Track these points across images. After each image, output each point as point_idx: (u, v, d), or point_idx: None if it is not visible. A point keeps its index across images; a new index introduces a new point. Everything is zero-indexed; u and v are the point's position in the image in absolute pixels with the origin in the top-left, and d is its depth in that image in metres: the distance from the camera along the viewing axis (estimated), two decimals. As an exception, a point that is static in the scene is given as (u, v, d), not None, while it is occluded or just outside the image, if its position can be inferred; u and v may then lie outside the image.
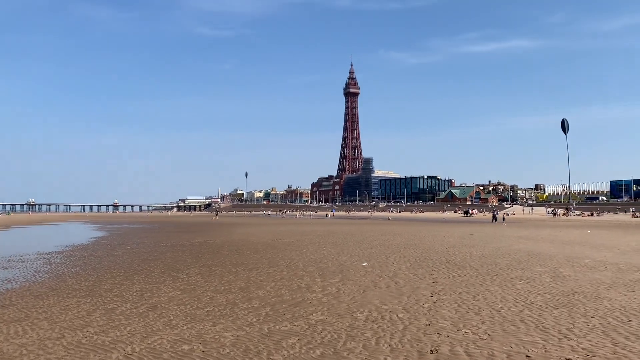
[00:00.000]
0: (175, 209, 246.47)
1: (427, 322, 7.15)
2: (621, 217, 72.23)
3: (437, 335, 6.47)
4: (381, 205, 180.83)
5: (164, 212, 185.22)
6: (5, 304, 8.94)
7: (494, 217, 54.46)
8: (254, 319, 7.48)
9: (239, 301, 8.90)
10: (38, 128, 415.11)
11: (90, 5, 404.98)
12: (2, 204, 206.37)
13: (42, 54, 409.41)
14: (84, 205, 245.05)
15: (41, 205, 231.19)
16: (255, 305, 8.48)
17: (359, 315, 7.70)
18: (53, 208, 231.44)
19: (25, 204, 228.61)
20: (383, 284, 10.63)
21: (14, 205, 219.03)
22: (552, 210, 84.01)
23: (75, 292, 10.04)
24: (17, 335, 6.73)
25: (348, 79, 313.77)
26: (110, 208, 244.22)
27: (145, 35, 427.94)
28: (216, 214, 79.59)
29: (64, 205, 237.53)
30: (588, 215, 77.73)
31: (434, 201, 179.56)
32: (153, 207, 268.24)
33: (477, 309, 7.99)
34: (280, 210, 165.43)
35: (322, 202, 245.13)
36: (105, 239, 28.90)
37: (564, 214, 78.31)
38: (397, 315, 7.64)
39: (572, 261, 14.48)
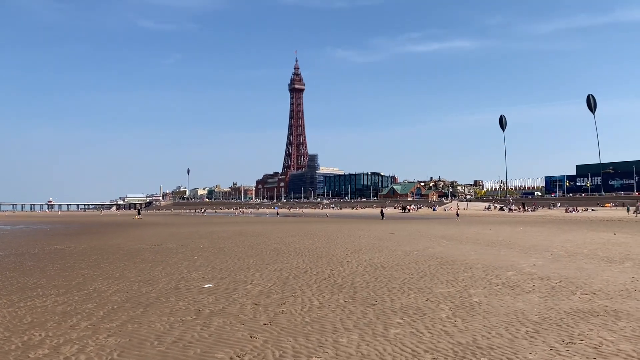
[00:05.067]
0: (114, 207, 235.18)
1: None
2: (555, 212, 71.87)
3: None
4: (325, 202, 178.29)
5: (98, 211, 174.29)
6: None
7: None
8: None
9: None
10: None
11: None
12: None
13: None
14: (15, 204, 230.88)
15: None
16: None
17: None
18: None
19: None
20: (188, 332, 6.47)
21: None
22: (508, 206, 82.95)
23: None
24: None
25: (293, 74, 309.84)
26: (45, 207, 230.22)
27: (82, 27, 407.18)
28: (138, 213, 73.24)
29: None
30: (522, 210, 77.13)
31: (377, 197, 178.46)
32: (92, 206, 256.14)
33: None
34: (198, 209, 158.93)
35: (267, 199, 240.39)
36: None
37: (520, 210, 77.15)
38: None
39: (491, 274, 10.87)
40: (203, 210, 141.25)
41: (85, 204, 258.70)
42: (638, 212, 53.41)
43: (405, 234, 25.52)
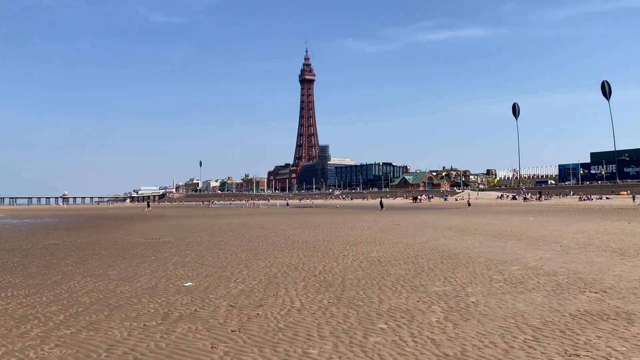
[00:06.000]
0: (128, 200, 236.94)
1: None
2: (569, 200, 70.45)
3: None
4: (336, 192, 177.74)
5: (108, 204, 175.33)
6: None
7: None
8: None
9: None
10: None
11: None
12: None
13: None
14: (31, 198, 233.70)
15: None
16: None
17: None
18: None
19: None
20: (145, 341, 5.83)
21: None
22: (523, 195, 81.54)
23: None
24: None
25: (303, 65, 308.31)
26: (60, 200, 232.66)
27: (95, 22, 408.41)
28: (148, 206, 73.11)
29: (10, 197, 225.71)
30: (539, 198, 75.71)
31: (388, 187, 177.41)
32: (107, 199, 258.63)
33: None
34: (206, 201, 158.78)
35: (278, 190, 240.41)
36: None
37: (537, 198, 75.57)
38: None
39: (493, 269, 10.11)
40: (211, 201, 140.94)
41: (99, 197, 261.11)
42: None
43: (411, 225, 24.76)
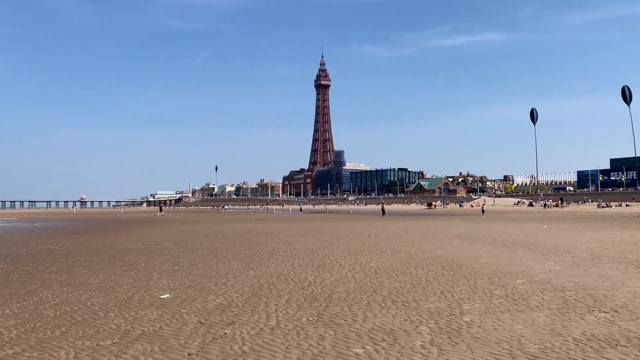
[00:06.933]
0: (145, 204, 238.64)
1: None
2: (587, 207, 68.70)
3: None
4: (351, 198, 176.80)
5: (121, 209, 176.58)
6: None
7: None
8: None
9: None
10: (3, 123, 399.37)
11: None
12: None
13: (6, 47, 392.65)
14: (49, 202, 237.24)
15: (4, 201, 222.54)
16: None
17: None
18: (17, 204, 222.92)
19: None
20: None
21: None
22: (543, 202, 79.86)
23: None
24: None
25: (319, 70, 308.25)
26: (78, 204, 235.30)
27: (113, 28, 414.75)
28: (160, 210, 73.09)
29: (29, 201, 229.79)
30: (554, 205, 74.00)
31: (404, 193, 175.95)
32: (124, 202, 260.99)
33: None
34: (216, 205, 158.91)
35: (293, 195, 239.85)
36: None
37: (555, 205, 73.82)
38: None
39: (496, 282, 9.34)
40: (222, 206, 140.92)
41: (116, 201, 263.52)
42: None
43: (419, 232, 23.94)
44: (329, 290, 8.87)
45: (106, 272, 11.81)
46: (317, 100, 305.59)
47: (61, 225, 41.90)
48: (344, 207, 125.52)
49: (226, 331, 6.23)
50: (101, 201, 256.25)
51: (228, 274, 11.18)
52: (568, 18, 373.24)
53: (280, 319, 6.84)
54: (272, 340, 5.81)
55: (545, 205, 74.89)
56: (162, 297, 8.63)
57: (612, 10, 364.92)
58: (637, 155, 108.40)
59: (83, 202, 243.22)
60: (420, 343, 5.56)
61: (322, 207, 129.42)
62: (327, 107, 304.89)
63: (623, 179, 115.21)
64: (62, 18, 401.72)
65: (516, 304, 7.47)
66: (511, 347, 5.34)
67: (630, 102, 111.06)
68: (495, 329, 6.06)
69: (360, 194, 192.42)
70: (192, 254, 15.49)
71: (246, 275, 10.93)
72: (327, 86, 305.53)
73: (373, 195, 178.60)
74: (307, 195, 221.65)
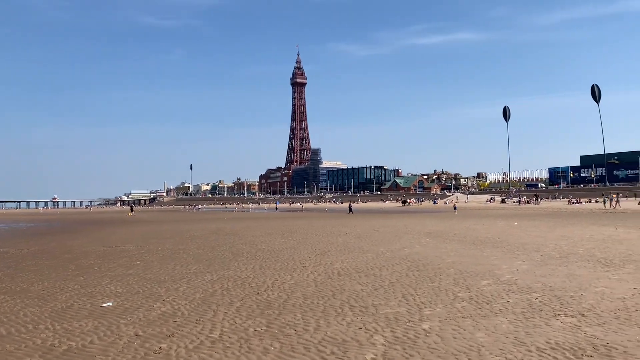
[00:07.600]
0: (119, 204, 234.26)
1: None
2: (558, 203, 69.71)
3: None
4: (327, 196, 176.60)
5: (94, 208, 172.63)
6: None
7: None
8: None
9: None
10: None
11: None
12: None
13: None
14: (20, 202, 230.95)
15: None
16: None
17: None
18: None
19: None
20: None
21: None
22: (518, 198, 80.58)
23: None
24: None
25: (295, 68, 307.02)
26: (49, 204, 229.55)
27: (86, 24, 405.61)
28: (131, 210, 71.37)
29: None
30: (528, 201, 74.90)
31: (380, 191, 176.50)
32: (97, 202, 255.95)
33: None
34: (188, 204, 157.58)
35: (270, 194, 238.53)
36: None
37: (528, 201, 74.49)
38: None
39: (461, 284, 8.94)
40: (194, 205, 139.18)
41: (89, 201, 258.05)
42: (612, 203, 47.39)
43: (391, 230, 23.60)
44: (285, 296, 8.34)
45: (53, 278, 11.06)
46: (294, 98, 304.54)
47: (24, 226, 40.43)
48: (320, 205, 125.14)
49: (162, 345, 5.65)
50: (74, 201, 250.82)
51: (182, 278, 10.56)
52: (540, 18, 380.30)
53: (225, 330, 6.28)
54: (209, 356, 5.25)
55: (519, 202, 75.72)
56: (104, 305, 7.97)
57: (583, 11, 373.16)
58: (606, 152, 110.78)
59: (55, 202, 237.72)
60: (372, 356, 5.07)
61: (298, 205, 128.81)
62: (304, 105, 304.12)
63: (593, 176, 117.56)
64: (31, 13, 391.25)
65: (479, 308, 7.06)
66: (470, 359, 4.89)
67: (599, 101, 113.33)
68: (455, 338, 5.62)
69: (337, 192, 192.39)
70: (150, 256, 14.78)
71: (201, 279, 10.32)
72: (304, 84, 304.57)
73: (350, 194, 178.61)
74: (284, 194, 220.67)
